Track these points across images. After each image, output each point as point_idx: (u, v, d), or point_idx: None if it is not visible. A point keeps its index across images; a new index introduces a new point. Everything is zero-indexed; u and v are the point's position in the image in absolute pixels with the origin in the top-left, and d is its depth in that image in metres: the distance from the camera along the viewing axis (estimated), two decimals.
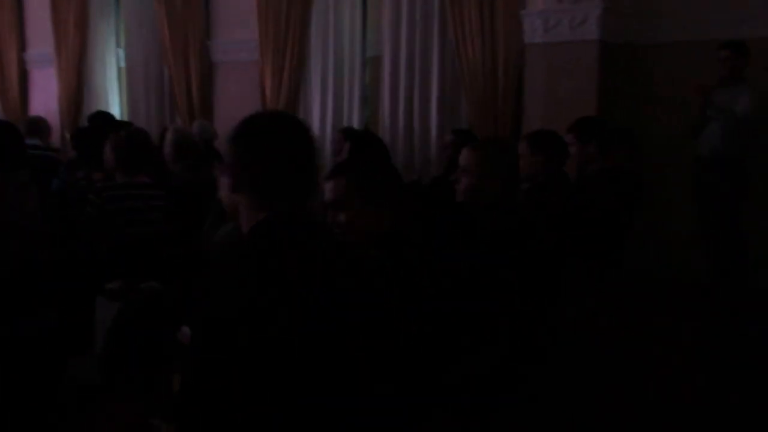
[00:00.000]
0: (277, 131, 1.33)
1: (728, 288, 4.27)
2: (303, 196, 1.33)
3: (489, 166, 2.17)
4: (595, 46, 4.46)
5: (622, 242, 3.15)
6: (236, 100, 6.28)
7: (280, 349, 1.11)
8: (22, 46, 8.28)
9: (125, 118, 7.17)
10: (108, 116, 5.66)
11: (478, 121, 5.01)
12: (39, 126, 5.23)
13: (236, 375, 1.10)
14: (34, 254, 2.54)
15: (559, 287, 2.27)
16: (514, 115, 4.91)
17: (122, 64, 7.45)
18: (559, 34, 4.55)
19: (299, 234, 1.26)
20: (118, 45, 7.53)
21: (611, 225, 2.84)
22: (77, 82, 7.50)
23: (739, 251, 4.32)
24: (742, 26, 4.36)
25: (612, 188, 2.90)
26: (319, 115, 5.89)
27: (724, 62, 4.28)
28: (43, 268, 2.46)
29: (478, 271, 1.93)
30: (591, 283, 2.79)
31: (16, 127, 3.17)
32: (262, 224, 1.26)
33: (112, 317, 2.21)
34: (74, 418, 2.22)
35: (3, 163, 2.59)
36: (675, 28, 4.55)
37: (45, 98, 8.04)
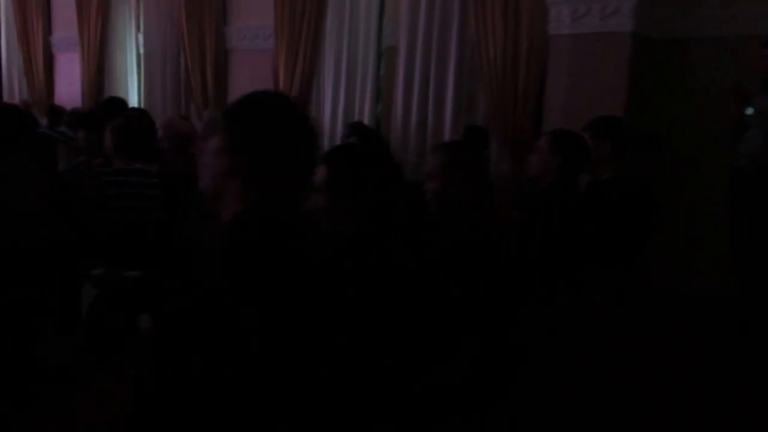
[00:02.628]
0: (280, 114, 1.26)
1: (757, 310, 3.85)
2: (299, 188, 1.27)
3: (450, 169, 1.99)
4: (628, 38, 4.05)
5: (630, 256, 2.80)
6: (250, 88, 5.97)
7: (238, 353, 1.04)
8: (48, 30, 8.26)
9: (143, 105, 7.07)
10: (119, 101, 5.55)
11: (496, 118, 4.67)
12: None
13: (194, 374, 1.04)
14: (27, 237, 2.56)
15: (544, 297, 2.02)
16: (534, 111, 4.55)
17: (142, 50, 7.33)
18: (588, 25, 4.16)
19: (283, 231, 1.18)
20: (138, 30, 7.41)
21: (616, 239, 2.49)
22: (98, 67, 7.43)
23: None
24: None
25: (621, 201, 2.55)
26: (331, 107, 5.63)
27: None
28: (31, 249, 2.45)
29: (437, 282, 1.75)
30: (588, 298, 2.48)
31: (18, 109, 3.19)
32: (246, 214, 1.18)
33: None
34: (49, 402, 2.22)
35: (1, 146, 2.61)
36: (716, 21, 4.10)
37: (69, 83, 8.01)
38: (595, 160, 2.76)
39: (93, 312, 2.30)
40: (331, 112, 5.63)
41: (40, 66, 8.32)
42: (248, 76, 6.14)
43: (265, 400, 1.05)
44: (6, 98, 8.55)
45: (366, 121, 5.36)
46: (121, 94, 6.86)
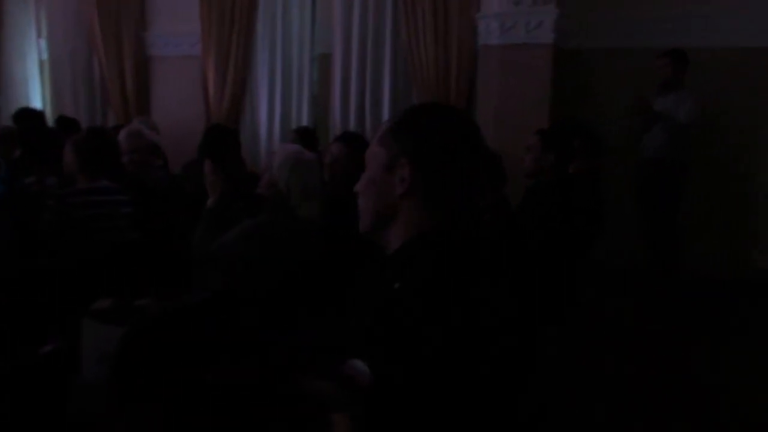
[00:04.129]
0: (456, 124, 1.14)
1: (666, 274, 4.55)
2: (478, 202, 1.17)
3: None
4: (550, 49, 4.57)
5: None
6: (176, 97, 5.99)
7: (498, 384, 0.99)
8: None
9: (51, 115, 6.70)
10: (37, 113, 5.27)
11: None
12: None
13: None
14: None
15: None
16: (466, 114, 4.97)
17: (44, 56, 6.93)
18: (514, 37, 4.62)
19: (480, 244, 1.12)
20: (39, 35, 6.99)
21: (591, 226, 2.94)
22: None
23: (675, 243, 4.62)
24: (683, 36, 4.63)
25: (594, 190, 3.01)
26: (267, 113, 5.72)
27: (664, 70, 4.54)
28: (16, 286, 2.22)
29: None
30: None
31: None
32: (438, 233, 1.09)
33: (106, 340, 2.01)
34: None
35: None
36: (623, 35, 4.77)
37: None
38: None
39: (127, 351, 1.88)
40: (267, 118, 5.72)
41: None
42: (173, 83, 6.05)
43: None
44: None
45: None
46: (21, 104, 6.46)
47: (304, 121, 5.63)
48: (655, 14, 4.71)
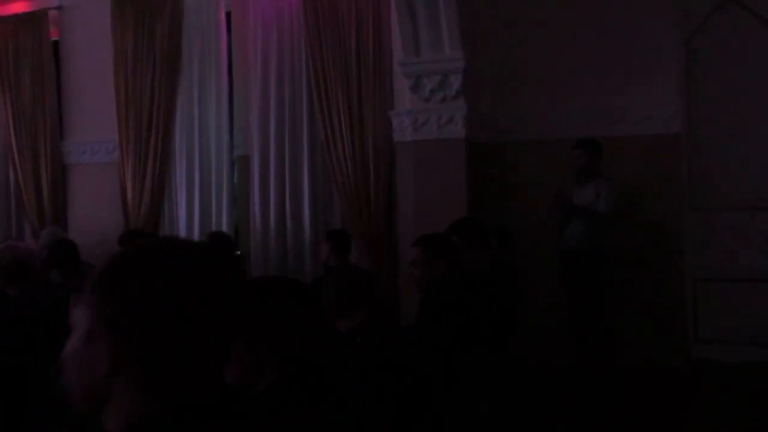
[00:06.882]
0: (183, 270, 0.84)
1: (595, 366, 4.35)
2: (220, 374, 0.88)
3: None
4: (462, 143, 4.56)
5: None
6: (93, 204, 5.82)
7: None
8: None
9: None
10: None
11: (352, 219, 4.92)
12: None
13: None
14: None
15: None
16: (387, 211, 4.88)
17: None
18: (427, 133, 4.62)
19: None
20: None
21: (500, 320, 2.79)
22: None
23: (604, 332, 4.46)
24: (594, 125, 4.66)
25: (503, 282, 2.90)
26: (186, 217, 5.57)
27: (579, 159, 4.52)
28: None
29: None
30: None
31: None
32: (153, 422, 0.82)
33: None
34: None
35: None
36: (534, 127, 4.79)
37: None
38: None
39: None
40: (187, 221, 5.55)
41: None
42: (91, 191, 5.90)
43: None
44: None
45: (225, 228, 5.36)
46: None
47: (224, 224, 5.48)
48: (564, 106, 4.76)
